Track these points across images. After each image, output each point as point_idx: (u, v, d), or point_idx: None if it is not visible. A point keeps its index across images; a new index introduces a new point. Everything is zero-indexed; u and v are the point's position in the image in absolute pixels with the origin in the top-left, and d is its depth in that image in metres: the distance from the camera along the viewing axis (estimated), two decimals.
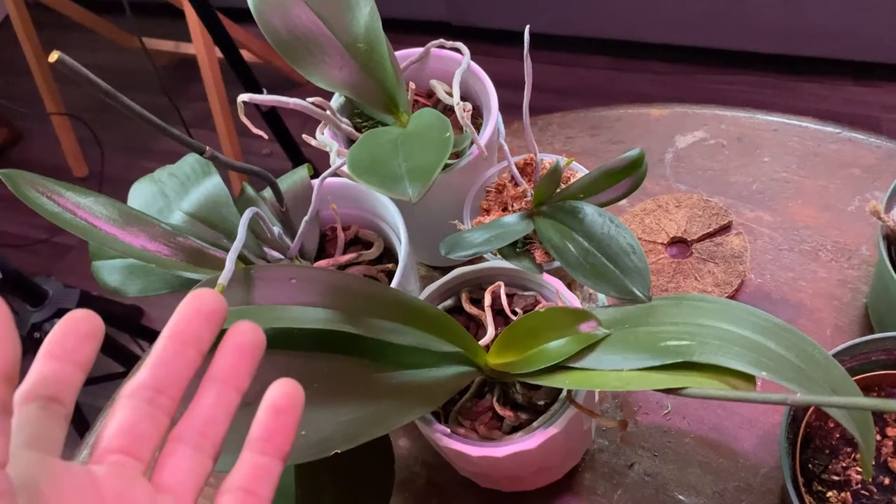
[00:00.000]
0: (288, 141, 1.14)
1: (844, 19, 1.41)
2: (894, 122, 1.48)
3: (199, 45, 1.35)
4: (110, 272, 0.55)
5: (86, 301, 1.06)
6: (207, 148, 0.44)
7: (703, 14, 1.47)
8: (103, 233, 0.47)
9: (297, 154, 1.17)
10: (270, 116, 1.09)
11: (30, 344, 1.04)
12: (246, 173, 0.47)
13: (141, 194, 0.59)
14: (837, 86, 1.55)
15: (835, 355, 0.43)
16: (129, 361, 1.19)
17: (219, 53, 1.31)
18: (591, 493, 0.54)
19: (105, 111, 1.83)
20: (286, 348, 0.39)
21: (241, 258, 0.49)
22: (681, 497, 0.53)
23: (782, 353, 0.35)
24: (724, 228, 0.64)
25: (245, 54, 1.33)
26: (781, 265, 0.62)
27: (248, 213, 0.41)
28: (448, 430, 0.43)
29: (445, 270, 0.60)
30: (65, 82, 1.79)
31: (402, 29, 1.44)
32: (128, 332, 1.21)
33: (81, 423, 1.20)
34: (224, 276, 0.35)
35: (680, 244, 0.64)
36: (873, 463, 0.42)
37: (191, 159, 0.58)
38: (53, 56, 0.31)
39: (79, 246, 1.68)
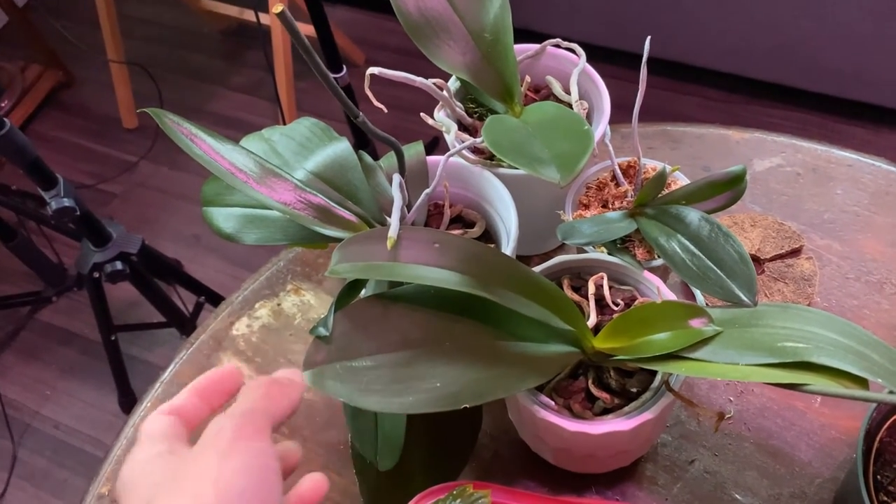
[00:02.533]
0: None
1: None
2: None
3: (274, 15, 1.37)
4: (226, 219, 0.57)
5: (143, 249, 1.09)
6: (360, 114, 0.47)
7: (767, 49, 1.50)
8: (240, 181, 0.50)
9: (363, 136, 1.20)
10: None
11: (89, 283, 1.07)
12: (381, 141, 0.50)
13: (253, 150, 0.62)
14: (882, 133, 1.58)
15: None
16: (171, 311, 1.22)
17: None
18: (652, 483, 0.57)
19: (161, 68, 1.86)
20: (423, 305, 0.42)
21: (364, 221, 0.52)
22: (737, 496, 0.56)
23: (887, 365, 0.38)
24: (796, 251, 0.67)
25: (308, 30, 1.35)
26: (847, 293, 0.65)
27: (396, 178, 0.44)
28: (552, 402, 0.46)
29: (524, 259, 0.63)
30: (126, 35, 1.81)
31: None
32: (174, 280, 1.24)
33: (117, 364, 1.23)
34: (392, 230, 0.38)
35: (752, 261, 0.67)
36: None
37: (307, 122, 0.60)
38: (277, 7, 0.34)
39: (122, 195, 1.71)
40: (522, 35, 0.60)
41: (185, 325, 1.24)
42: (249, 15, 1.70)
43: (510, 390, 0.42)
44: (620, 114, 0.64)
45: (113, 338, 1.17)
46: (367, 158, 0.58)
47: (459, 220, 0.59)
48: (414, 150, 0.58)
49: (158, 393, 0.69)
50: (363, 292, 0.46)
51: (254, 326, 0.71)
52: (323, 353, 0.39)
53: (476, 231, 0.58)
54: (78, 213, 0.97)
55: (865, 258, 0.67)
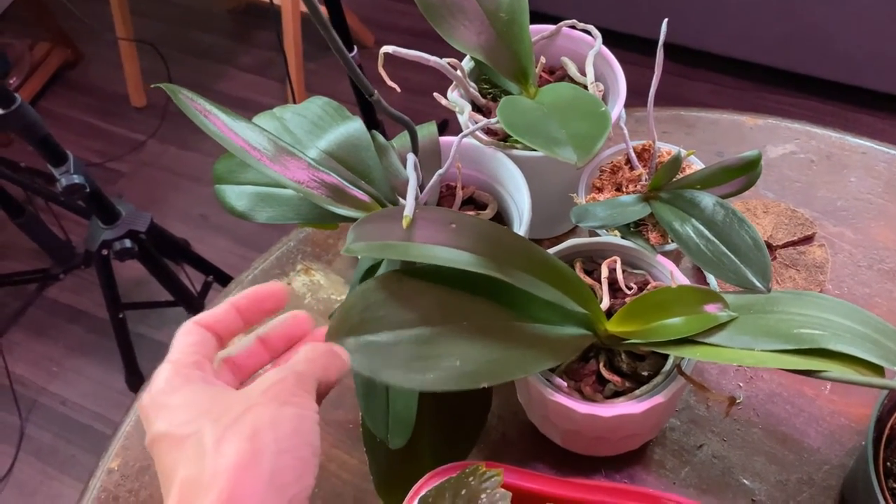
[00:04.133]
0: (366, 103, 1.17)
1: None
2: None
3: None
4: (238, 197, 0.57)
5: (151, 227, 1.09)
6: (375, 91, 0.46)
7: (780, 35, 1.49)
8: (254, 158, 0.50)
9: (372, 117, 1.20)
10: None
11: (97, 260, 1.07)
12: (395, 120, 0.49)
13: (265, 128, 0.61)
14: None
15: None
16: (179, 290, 1.23)
17: (302, 7, 1.33)
18: (660, 467, 0.57)
19: (170, 47, 1.85)
20: (439, 283, 0.42)
21: (377, 201, 0.52)
22: (745, 481, 0.56)
23: None
24: (808, 238, 0.67)
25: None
26: (859, 280, 0.65)
27: (411, 158, 0.44)
28: (565, 384, 0.46)
29: (536, 242, 0.63)
30: (135, 13, 1.80)
31: None
32: (182, 259, 1.24)
33: (125, 341, 1.24)
34: (408, 209, 0.38)
35: None
36: None
37: (320, 101, 0.60)
38: None
39: (129, 174, 1.71)
40: (536, 18, 0.59)
41: (193, 303, 1.24)
42: None
43: (527, 371, 0.42)
44: (633, 99, 0.63)
45: (121, 316, 1.18)
46: (380, 138, 0.58)
47: (472, 202, 0.59)
48: (427, 131, 0.58)
49: None
50: (377, 274, 0.46)
51: None
52: (346, 326, 0.39)
53: (488, 213, 0.57)
54: (87, 190, 0.97)
55: (878, 246, 0.67)
